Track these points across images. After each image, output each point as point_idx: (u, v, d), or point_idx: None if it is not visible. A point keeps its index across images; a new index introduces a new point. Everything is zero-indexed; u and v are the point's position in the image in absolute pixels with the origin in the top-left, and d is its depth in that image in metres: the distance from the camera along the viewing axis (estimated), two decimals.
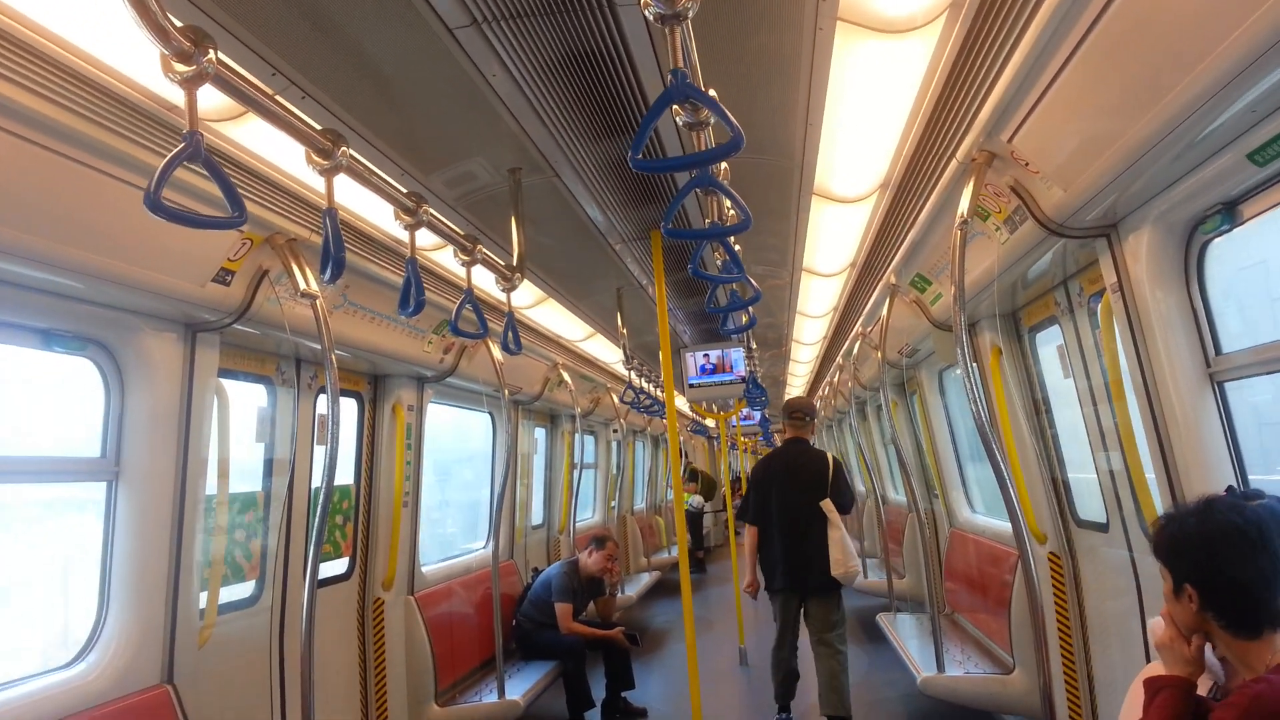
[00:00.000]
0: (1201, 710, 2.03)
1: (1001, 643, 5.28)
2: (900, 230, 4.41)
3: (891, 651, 6.59)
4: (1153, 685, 2.13)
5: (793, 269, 5.93)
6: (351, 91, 2.87)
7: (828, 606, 5.65)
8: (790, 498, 5.71)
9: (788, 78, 3.09)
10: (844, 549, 5.55)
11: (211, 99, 2.24)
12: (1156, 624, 2.18)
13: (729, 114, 2.03)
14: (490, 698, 5.49)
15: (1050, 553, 4.49)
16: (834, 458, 5.98)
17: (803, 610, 5.75)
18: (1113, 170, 2.64)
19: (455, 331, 3.73)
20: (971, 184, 3.17)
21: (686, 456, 18.59)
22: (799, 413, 6.07)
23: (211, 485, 3.67)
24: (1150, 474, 3.37)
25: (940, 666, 5.31)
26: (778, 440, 8.04)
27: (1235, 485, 2.93)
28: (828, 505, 5.61)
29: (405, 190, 3.13)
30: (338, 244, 2.41)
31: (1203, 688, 2.13)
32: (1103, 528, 4.13)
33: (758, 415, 14.24)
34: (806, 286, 6.50)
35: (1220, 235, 2.87)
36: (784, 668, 5.81)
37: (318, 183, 2.61)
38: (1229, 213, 2.74)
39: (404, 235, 3.23)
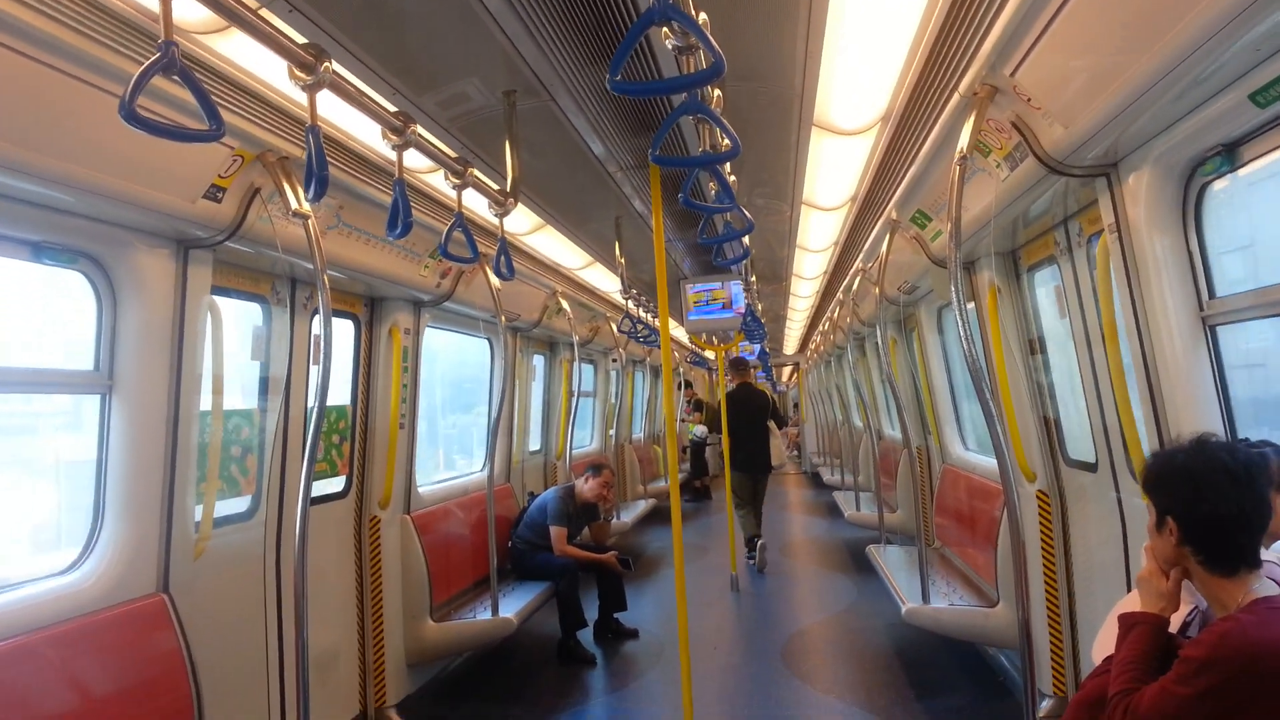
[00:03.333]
0: (1172, 646, 2.09)
1: (987, 577, 5.38)
2: (901, 165, 4.34)
3: (879, 582, 6.72)
4: (1127, 621, 2.18)
5: (793, 202, 5.85)
6: (341, 6, 2.80)
7: (763, 482, 9.52)
8: (746, 419, 9.21)
9: (787, 3, 3.01)
10: (779, 450, 9.58)
11: (200, 10, 2.19)
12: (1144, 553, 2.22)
13: (711, 38, 1.98)
14: (484, 615, 5.62)
15: (1039, 491, 4.54)
16: (770, 394, 10.40)
17: (753, 482, 9.35)
18: (1114, 108, 2.59)
19: (445, 255, 3.71)
20: (973, 119, 3.12)
21: (691, 387, 18.67)
22: (743, 366, 10.09)
23: (206, 402, 3.70)
24: (1139, 416, 3.38)
25: (926, 598, 5.42)
26: (776, 374, 9.32)
27: (1225, 430, 2.96)
28: (771, 424, 9.43)
29: (394, 109, 3.08)
30: (320, 161, 2.39)
31: (1182, 615, 2.19)
32: (1091, 468, 4.17)
33: (756, 349, 14.27)
34: (807, 220, 6.43)
35: (1220, 178, 2.84)
36: (749, 519, 9.35)
37: (306, 99, 2.57)
38: (1229, 155, 2.70)
39: (395, 156, 3.19)
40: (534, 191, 5.18)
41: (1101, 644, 2.35)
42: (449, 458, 8.49)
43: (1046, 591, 4.49)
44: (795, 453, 21.33)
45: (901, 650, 6.18)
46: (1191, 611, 2.20)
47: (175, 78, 1.95)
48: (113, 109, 2.41)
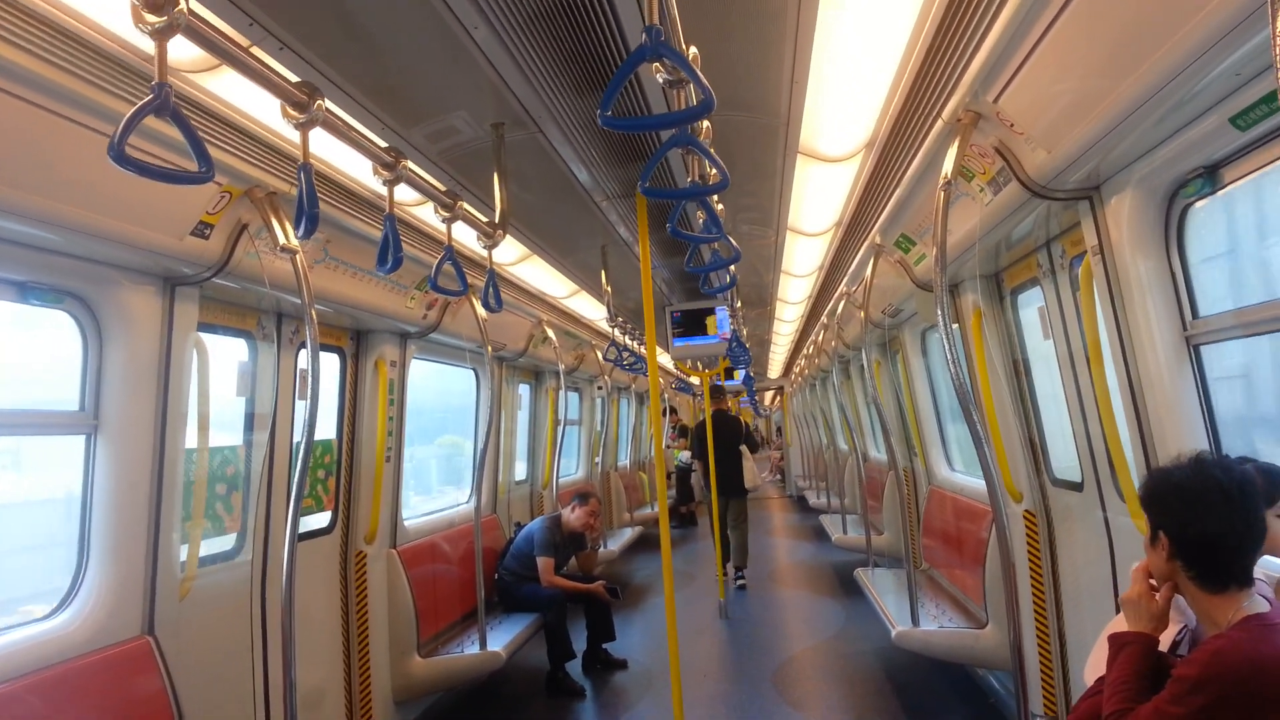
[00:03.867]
0: (1163, 665, 2.09)
1: (976, 598, 5.38)
2: (885, 190, 4.39)
3: (868, 605, 6.71)
4: (1117, 641, 2.18)
5: (778, 228, 5.89)
6: (330, 43, 2.80)
7: (740, 505, 9.73)
8: (722, 443, 9.24)
9: (773, 33, 3.04)
10: (752, 472, 9.85)
11: (190, 50, 2.19)
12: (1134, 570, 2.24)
13: (701, 76, 1.99)
14: (472, 649, 5.57)
15: (1026, 511, 4.56)
16: (744, 420, 11.11)
17: (726, 505, 9.51)
18: (1096, 132, 2.63)
19: (435, 288, 3.70)
20: (956, 144, 3.15)
21: (675, 413, 18.65)
22: (718, 392, 10.48)
23: (191, 439, 3.66)
24: (1125, 435, 3.41)
25: (915, 621, 5.41)
26: (759, 398, 9.34)
27: (1211, 448, 2.99)
28: (743, 448, 9.78)
29: (385, 145, 3.08)
30: (311, 200, 2.38)
31: (1172, 634, 2.19)
32: (1077, 487, 4.19)
33: (742, 374, 14.30)
34: (792, 245, 6.47)
35: (1201, 199, 2.88)
36: (723, 540, 9.31)
37: (297, 135, 2.57)
38: (1210, 177, 2.74)
39: (385, 190, 3.19)
40: (521, 222, 5.19)
41: (1093, 664, 2.36)
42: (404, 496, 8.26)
43: (1035, 612, 4.50)
44: (779, 477, 21.32)
45: (892, 674, 6.16)
46: (1181, 630, 2.21)
47: (167, 119, 1.94)
48: (100, 147, 2.39)
